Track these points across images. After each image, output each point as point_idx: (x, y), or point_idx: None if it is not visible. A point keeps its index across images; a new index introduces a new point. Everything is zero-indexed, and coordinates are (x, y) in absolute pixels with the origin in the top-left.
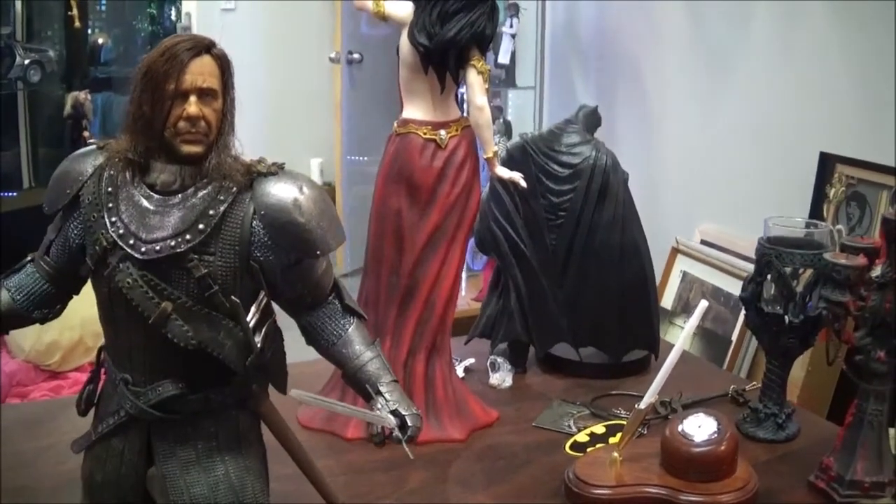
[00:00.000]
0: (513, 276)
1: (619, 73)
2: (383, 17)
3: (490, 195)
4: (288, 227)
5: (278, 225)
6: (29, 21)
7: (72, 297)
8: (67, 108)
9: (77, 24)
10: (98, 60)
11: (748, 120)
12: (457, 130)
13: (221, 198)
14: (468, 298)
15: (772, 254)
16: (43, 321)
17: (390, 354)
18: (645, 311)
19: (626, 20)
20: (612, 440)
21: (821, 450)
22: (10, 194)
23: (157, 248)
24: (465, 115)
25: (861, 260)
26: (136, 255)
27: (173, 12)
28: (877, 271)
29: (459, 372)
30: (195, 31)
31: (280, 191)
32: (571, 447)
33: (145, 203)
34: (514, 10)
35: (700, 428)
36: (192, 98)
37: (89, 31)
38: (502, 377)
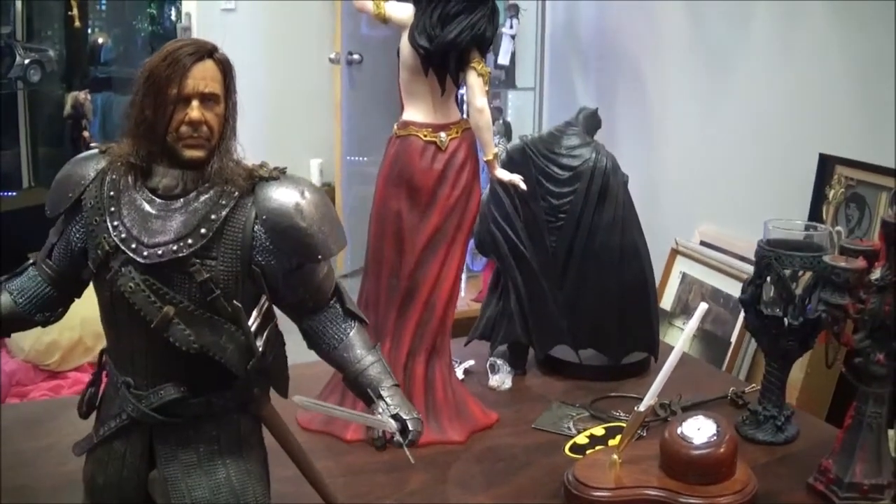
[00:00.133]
0: (513, 278)
1: (618, 74)
2: (384, 20)
3: (490, 197)
4: (290, 232)
5: (280, 229)
6: (29, 20)
7: (73, 300)
8: (67, 108)
9: (77, 23)
10: (98, 60)
11: (748, 121)
12: (457, 133)
13: (223, 202)
14: (468, 299)
15: (771, 256)
16: (45, 324)
17: (390, 356)
18: (644, 314)
19: (626, 21)
20: (611, 442)
21: (820, 452)
22: (10, 194)
23: (160, 252)
24: (464, 116)
25: (860, 263)
26: (139, 260)
27: (173, 12)
28: (876, 274)
29: (459, 374)
30: (195, 31)
31: (282, 195)
32: (571, 449)
33: (147, 207)
34: (514, 11)
35: (699, 430)
36: (195, 103)
37: (89, 31)
38: (502, 379)
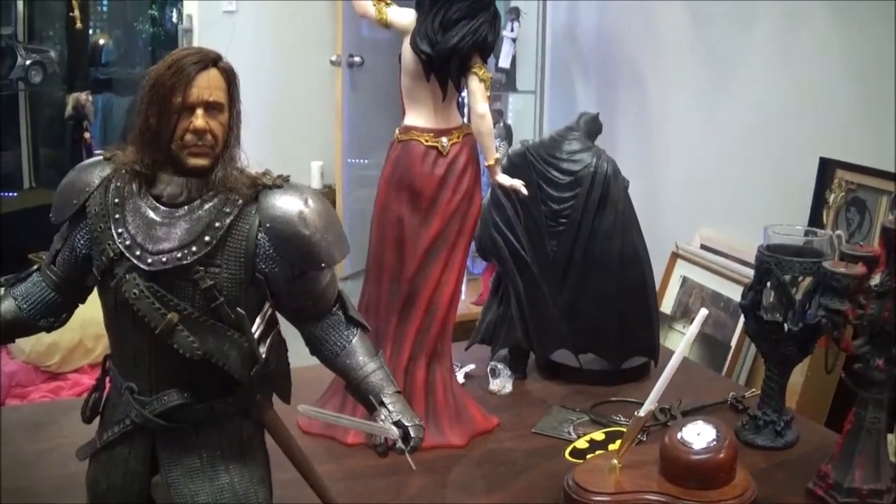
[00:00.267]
0: (513, 283)
1: (619, 77)
2: (385, 25)
3: (491, 202)
4: (293, 240)
5: (283, 237)
6: (30, 21)
7: (77, 306)
8: (69, 110)
9: (78, 24)
10: (99, 61)
11: (748, 124)
12: (458, 137)
13: (227, 210)
14: (468, 302)
15: (771, 262)
16: (49, 329)
17: (391, 360)
18: (645, 319)
19: (627, 25)
20: (611, 447)
21: (819, 457)
22: (11, 194)
23: (164, 259)
24: (465, 121)
25: (860, 268)
26: (143, 267)
27: (174, 14)
28: (876, 280)
29: (460, 378)
30: (196, 33)
31: (285, 203)
32: (571, 454)
33: (152, 215)
34: (515, 14)
35: (699, 435)
36: (199, 111)
37: (90, 32)
38: (502, 383)
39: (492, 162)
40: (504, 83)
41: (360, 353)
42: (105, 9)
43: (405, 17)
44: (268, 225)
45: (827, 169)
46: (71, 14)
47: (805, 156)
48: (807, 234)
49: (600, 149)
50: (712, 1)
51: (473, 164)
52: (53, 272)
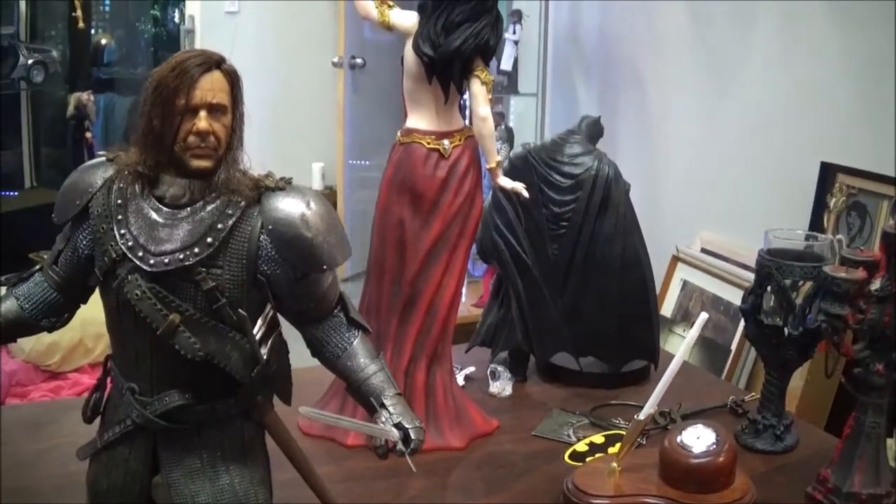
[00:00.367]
0: (514, 286)
1: (620, 80)
2: (388, 27)
3: (492, 204)
4: (295, 242)
5: (286, 239)
6: (33, 21)
7: (80, 307)
8: (70, 109)
9: (81, 24)
10: (101, 61)
11: (749, 128)
12: (460, 140)
13: (230, 212)
14: (468, 304)
15: (772, 266)
16: (51, 329)
17: (391, 362)
18: (645, 322)
19: (629, 28)
20: (611, 450)
21: (819, 461)
22: (12, 194)
23: (166, 260)
24: (467, 124)
25: (860, 273)
26: (145, 268)
27: (177, 14)
28: (876, 285)
29: (460, 380)
30: (198, 33)
31: (288, 206)
32: (570, 456)
33: (154, 216)
34: (517, 17)
35: (699, 439)
36: (202, 113)
37: (92, 32)
38: (502, 386)
39: (493, 165)
40: (506, 86)
41: (362, 356)
42: (107, 9)
43: (407, 20)
44: (270, 227)
45: (828, 173)
46: (73, 14)
47: (806, 159)
48: (807, 238)
49: (602, 152)
50: (713, 4)
51: (475, 167)
52: (56, 272)
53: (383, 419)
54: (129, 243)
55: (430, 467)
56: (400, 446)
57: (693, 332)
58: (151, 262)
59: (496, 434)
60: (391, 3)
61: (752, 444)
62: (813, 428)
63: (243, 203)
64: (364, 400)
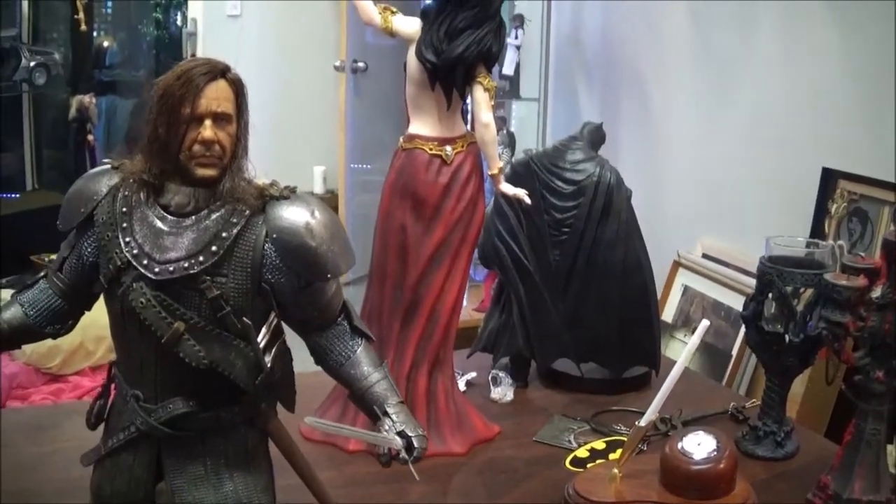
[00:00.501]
0: (515, 291)
1: (622, 85)
2: (391, 33)
3: (494, 210)
4: (299, 251)
5: (290, 248)
6: (35, 23)
7: (84, 313)
8: (72, 112)
9: (83, 27)
10: (103, 64)
11: (751, 134)
12: (462, 146)
13: (234, 220)
14: (469, 309)
15: (773, 273)
16: (55, 336)
17: (393, 368)
18: (646, 328)
19: (631, 33)
20: (612, 456)
21: (819, 468)
22: (14, 196)
23: (171, 268)
24: (469, 129)
25: (861, 281)
26: (150, 276)
27: (179, 17)
28: (877, 292)
29: (461, 385)
30: (201, 36)
31: (292, 214)
32: (571, 462)
33: (159, 224)
34: (520, 22)
35: (700, 445)
36: (207, 122)
37: (95, 35)
38: (503, 391)
39: (495, 171)
40: (507, 90)
41: (365, 364)
42: (109, 11)
43: (410, 26)
44: (274, 236)
45: (829, 179)
46: (75, 16)
47: (807, 165)
48: (808, 245)
49: (604, 158)
50: (715, 9)
51: (477, 173)
52: (60, 279)
53: (386, 427)
54: (134, 251)
55: (432, 473)
56: (403, 454)
57: (694, 339)
58: (156, 270)
59: (497, 440)
60: (394, 10)
61: (752, 451)
62: (813, 434)
63: (248, 212)
64: (367, 408)
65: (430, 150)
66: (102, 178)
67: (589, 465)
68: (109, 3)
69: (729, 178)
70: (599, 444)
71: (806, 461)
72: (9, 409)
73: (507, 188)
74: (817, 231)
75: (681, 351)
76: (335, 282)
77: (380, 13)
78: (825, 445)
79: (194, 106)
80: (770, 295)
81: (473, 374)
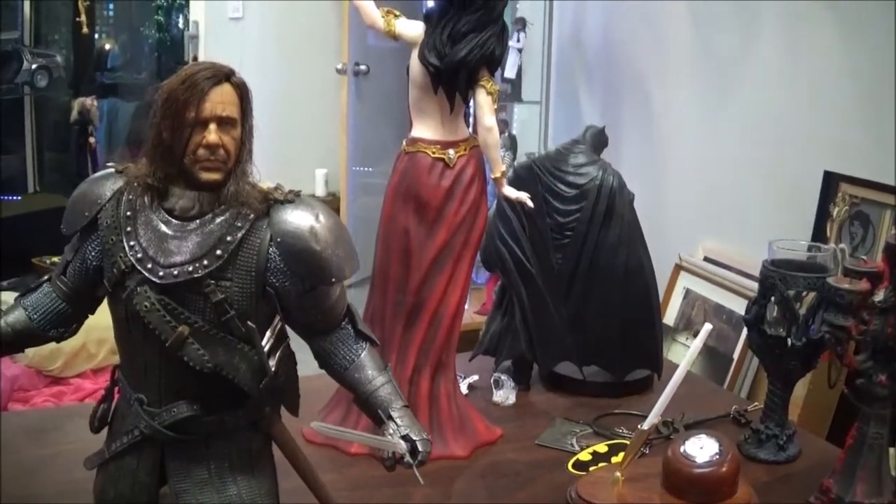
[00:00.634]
0: (518, 295)
1: (624, 88)
2: (394, 37)
3: (497, 214)
4: (304, 255)
5: (294, 252)
6: (37, 26)
7: (87, 317)
8: (74, 114)
9: (85, 29)
10: (105, 66)
11: (753, 137)
12: (465, 150)
13: (239, 224)
14: (471, 312)
15: (775, 276)
16: (59, 340)
17: (395, 371)
18: (648, 332)
19: (633, 36)
20: (614, 459)
21: (821, 471)
22: (15, 198)
23: (175, 272)
24: (472, 133)
25: (864, 284)
26: (154, 280)
27: (181, 20)
28: (879, 296)
29: (463, 389)
30: (202, 39)
31: (297, 218)
32: (574, 465)
33: (163, 228)
34: (521, 25)
35: (702, 449)
36: (212, 126)
37: (96, 37)
38: (506, 394)
39: (498, 174)
40: (509, 93)
41: (369, 367)
42: (111, 14)
43: (413, 30)
44: (279, 239)
45: (831, 182)
46: (77, 19)
47: (809, 168)
48: (810, 249)
49: (606, 162)
50: (717, 13)
51: (480, 177)
52: (64, 283)
53: (391, 431)
54: (139, 255)
55: (434, 476)
56: (408, 458)
57: (697, 343)
58: (161, 273)
59: (499, 443)
60: (397, 13)
61: (754, 454)
62: (815, 438)
63: (252, 215)
64: (372, 412)
65: (433, 153)
66: (106, 182)
67: (591, 469)
68: (111, 6)
69: (730, 181)
70: (602, 448)
71: (808, 464)
72: (11, 413)
73: (510, 191)
74: (819, 234)
75: (682, 354)
76: (339, 285)
77: (383, 16)
78: (827, 449)
79: (199, 110)
80: (772, 298)
81: (475, 378)
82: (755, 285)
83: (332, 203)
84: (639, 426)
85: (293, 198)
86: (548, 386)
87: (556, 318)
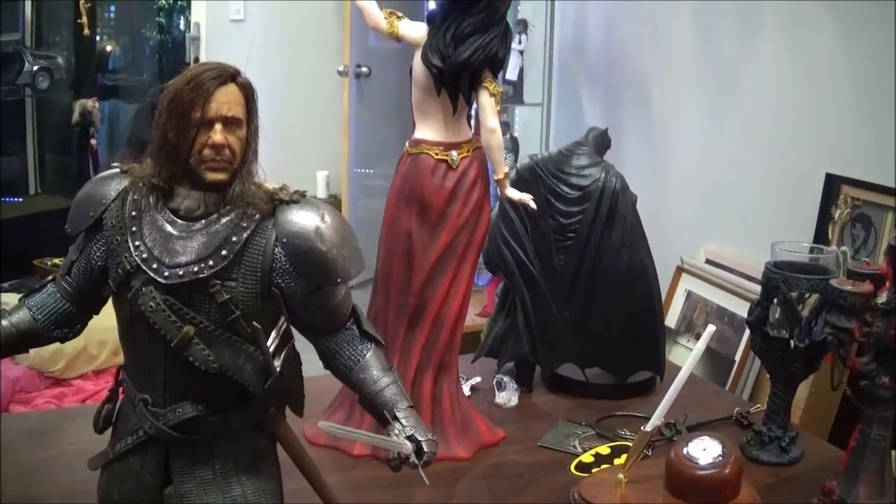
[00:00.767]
0: (520, 296)
1: (626, 90)
2: (397, 38)
3: (499, 215)
4: (309, 255)
5: (300, 252)
6: (38, 27)
7: (92, 317)
8: (75, 116)
9: (86, 31)
10: (106, 68)
11: (755, 139)
12: (468, 151)
13: (244, 225)
14: (472, 314)
15: (778, 278)
16: (63, 340)
17: (398, 372)
18: (651, 334)
19: (634, 39)
20: (616, 461)
21: (824, 473)
22: (16, 200)
23: (180, 272)
24: (474, 133)
25: (867, 286)
26: (160, 280)
27: (182, 22)
28: (882, 298)
29: (466, 390)
30: (204, 41)
31: (302, 219)
32: (576, 467)
33: (169, 228)
34: (523, 27)
35: (705, 451)
36: (218, 126)
37: (98, 39)
38: (508, 396)
39: (501, 176)
40: (511, 95)
41: (374, 368)
42: (112, 15)
43: (416, 31)
44: (284, 240)
45: (832, 184)
46: (78, 20)
47: (810, 170)
48: (813, 250)
49: (609, 164)
50: (719, 15)
51: (483, 178)
52: (68, 283)
53: (396, 431)
54: (144, 255)
55: (437, 477)
56: (413, 459)
57: (700, 345)
58: (166, 274)
59: (502, 444)
60: (400, 14)
61: (757, 456)
62: (817, 440)
63: (258, 216)
64: (377, 412)
65: (436, 154)
66: (111, 182)
67: (594, 470)
68: (112, 8)
69: (732, 184)
70: (604, 449)
71: (810, 466)
72: (12, 414)
73: (513, 193)
74: (820, 237)
75: (684, 356)
76: (344, 286)
77: (386, 18)
78: (829, 451)
79: (204, 110)
80: (775, 300)
81: (478, 379)
82: (757, 287)
83: (333, 205)
84: (641, 428)
85: (298, 198)
86: (550, 388)
87: (558, 319)
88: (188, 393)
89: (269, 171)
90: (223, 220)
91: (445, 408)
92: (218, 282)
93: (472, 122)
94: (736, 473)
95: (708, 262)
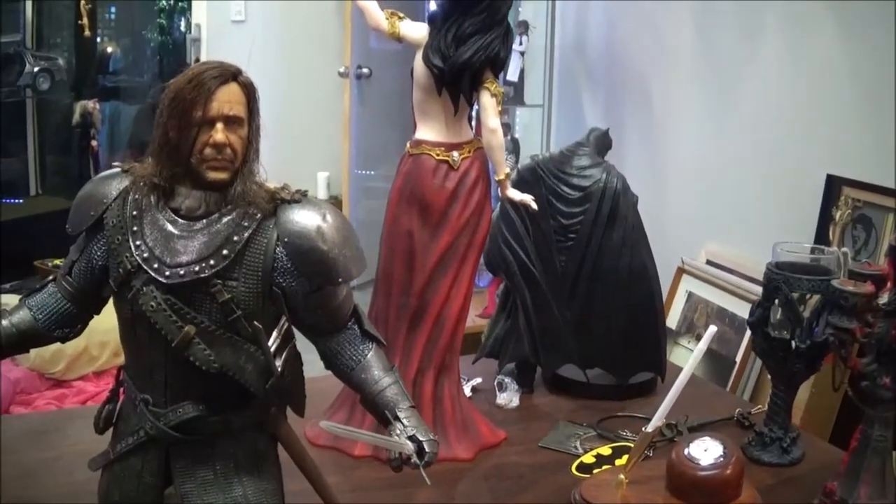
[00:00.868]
0: (521, 297)
1: (626, 91)
2: (398, 39)
3: (500, 216)
4: (311, 255)
5: (301, 252)
6: (39, 29)
7: (93, 317)
8: (76, 117)
9: (87, 32)
10: (107, 69)
11: (755, 140)
12: (469, 152)
13: (245, 224)
14: (473, 315)
15: (780, 279)
16: (64, 340)
17: (399, 373)
18: (652, 334)
19: (635, 40)
20: (618, 462)
21: (825, 474)
22: (17, 201)
23: (182, 272)
24: (475, 134)
25: (868, 287)
26: (161, 279)
27: (183, 23)
28: (884, 298)
29: (467, 391)
30: (204, 42)
31: (304, 218)
32: (578, 468)
33: (170, 227)
34: (524, 28)
35: (706, 451)
36: (219, 125)
37: (98, 40)
38: (509, 397)
39: (502, 177)
40: (512, 96)
41: (376, 368)
42: (113, 17)
43: (418, 32)
44: (286, 239)
45: (833, 185)
46: (79, 22)
47: (811, 172)
48: (814, 251)
49: (610, 165)
50: (719, 16)
51: (484, 179)
52: (69, 283)
53: (398, 431)
54: (145, 255)
55: (438, 478)
56: (414, 459)
57: (701, 346)
58: (167, 273)
59: (503, 445)
60: (401, 15)
61: (758, 457)
62: (819, 440)
63: (259, 215)
64: (378, 412)
65: (437, 155)
66: (112, 182)
67: (595, 471)
68: (113, 9)
69: (733, 185)
70: (605, 450)
71: (812, 467)
72: (12, 416)
73: (514, 194)
74: (821, 238)
75: (685, 357)
76: (346, 286)
77: (387, 18)
78: (830, 451)
79: (206, 109)
80: (776, 301)
81: (479, 380)
82: (757, 288)
83: (334, 206)
84: (643, 429)
85: (300, 197)
86: (551, 388)
87: (559, 320)
88: (189, 393)
89: (270, 172)
90: (224, 220)
91: (446, 408)
92: (219, 281)
93: (473, 122)
94: (737, 474)
95: (709, 262)
